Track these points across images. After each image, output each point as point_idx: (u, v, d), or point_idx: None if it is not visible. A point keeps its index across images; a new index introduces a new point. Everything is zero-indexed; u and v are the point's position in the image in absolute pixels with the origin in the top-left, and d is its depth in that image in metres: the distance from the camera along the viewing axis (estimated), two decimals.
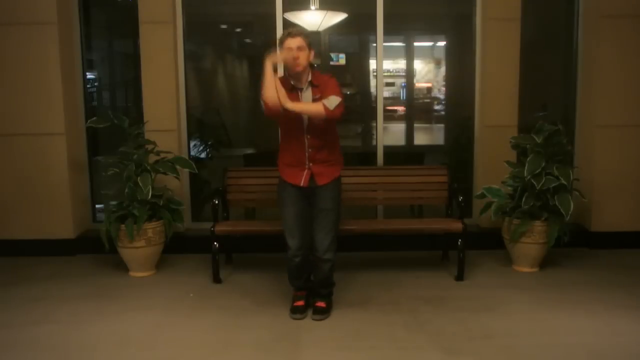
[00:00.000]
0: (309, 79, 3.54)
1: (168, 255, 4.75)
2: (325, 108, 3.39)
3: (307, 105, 3.49)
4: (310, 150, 3.56)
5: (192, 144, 5.38)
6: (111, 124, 4.49)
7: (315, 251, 3.61)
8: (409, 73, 6.72)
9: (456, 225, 4.31)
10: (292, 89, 3.53)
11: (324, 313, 3.67)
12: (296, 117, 3.49)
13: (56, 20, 4.79)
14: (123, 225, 4.32)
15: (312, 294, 3.81)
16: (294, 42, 3.44)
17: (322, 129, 3.54)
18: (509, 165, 4.60)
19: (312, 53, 3.53)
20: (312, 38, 3.55)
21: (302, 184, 3.58)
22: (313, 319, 3.64)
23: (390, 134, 5.88)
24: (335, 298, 3.88)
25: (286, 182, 3.65)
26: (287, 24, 5.18)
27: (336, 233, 3.65)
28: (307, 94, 3.54)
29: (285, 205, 3.66)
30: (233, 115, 6.25)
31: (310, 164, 3.58)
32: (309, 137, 3.54)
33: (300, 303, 3.73)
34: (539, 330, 3.46)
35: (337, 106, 3.41)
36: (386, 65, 5.33)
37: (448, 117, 6.48)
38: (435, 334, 3.44)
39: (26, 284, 4.34)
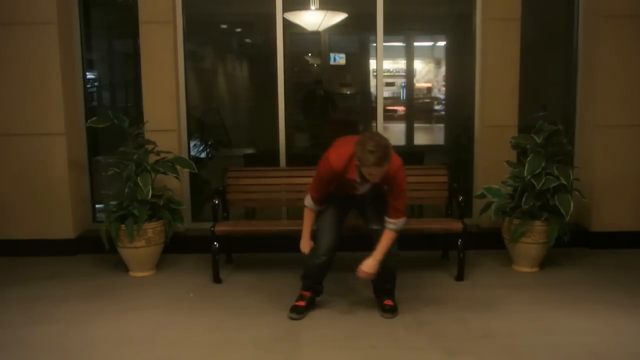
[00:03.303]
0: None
1: (168, 255, 4.75)
2: (395, 232, 3.53)
3: (382, 248, 3.53)
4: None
5: (192, 144, 5.38)
6: (111, 124, 4.48)
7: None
8: (409, 73, 6.74)
9: (456, 225, 4.31)
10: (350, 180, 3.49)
11: (394, 311, 3.68)
12: (351, 187, 3.53)
13: (56, 20, 4.79)
14: (123, 225, 4.32)
15: (318, 293, 3.83)
16: (379, 172, 3.23)
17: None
18: (509, 165, 4.60)
19: None
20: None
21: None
22: (385, 317, 3.64)
23: (390, 133, 5.89)
24: (335, 298, 3.89)
25: None
26: (287, 24, 5.18)
27: None
28: (366, 186, 3.50)
29: (325, 208, 3.68)
30: (233, 115, 6.26)
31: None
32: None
33: (302, 303, 3.71)
34: (539, 330, 3.46)
35: (405, 223, 3.54)
36: (386, 65, 5.33)
37: (448, 117, 6.49)
38: (435, 334, 3.43)
39: (26, 284, 4.34)
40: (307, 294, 3.77)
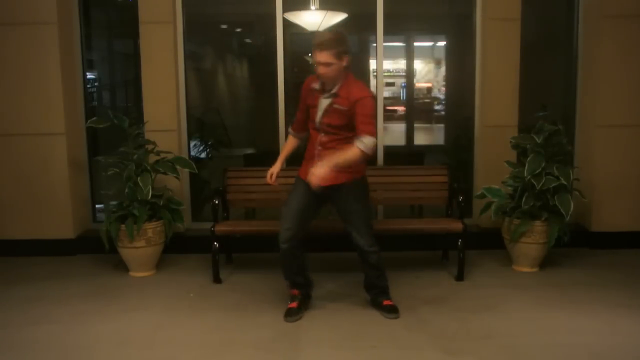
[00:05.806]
0: (335, 90, 3.38)
1: (168, 255, 4.75)
2: (361, 151, 3.22)
3: (342, 156, 3.27)
4: (319, 147, 3.51)
5: (192, 144, 5.38)
6: (111, 124, 4.48)
7: (359, 247, 3.58)
8: (409, 73, 6.73)
9: (456, 225, 4.31)
10: (313, 90, 3.49)
11: (397, 311, 3.65)
12: (313, 112, 3.47)
13: (56, 20, 4.79)
14: (123, 225, 4.32)
15: (307, 292, 3.77)
16: (320, 57, 3.26)
17: (335, 130, 3.42)
18: (509, 165, 4.60)
19: (347, 59, 3.30)
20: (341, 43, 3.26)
21: (305, 178, 3.41)
22: (389, 318, 3.62)
23: (390, 133, 5.89)
24: (335, 298, 3.88)
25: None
26: (287, 24, 5.18)
27: (371, 226, 3.60)
28: (326, 101, 3.42)
29: (291, 194, 3.60)
30: (233, 115, 6.26)
31: (318, 162, 3.35)
32: (322, 134, 3.49)
33: (293, 305, 3.69)
34: (539, 330, 3.46)
35: (374, 145, 3.26)
36: (386, 65, 5.32)
37: (448, 117, 6.49)
38: (435, 334, 3.44)
39: (26, 284, 4.34)
40: (295, 292, 3.73)
